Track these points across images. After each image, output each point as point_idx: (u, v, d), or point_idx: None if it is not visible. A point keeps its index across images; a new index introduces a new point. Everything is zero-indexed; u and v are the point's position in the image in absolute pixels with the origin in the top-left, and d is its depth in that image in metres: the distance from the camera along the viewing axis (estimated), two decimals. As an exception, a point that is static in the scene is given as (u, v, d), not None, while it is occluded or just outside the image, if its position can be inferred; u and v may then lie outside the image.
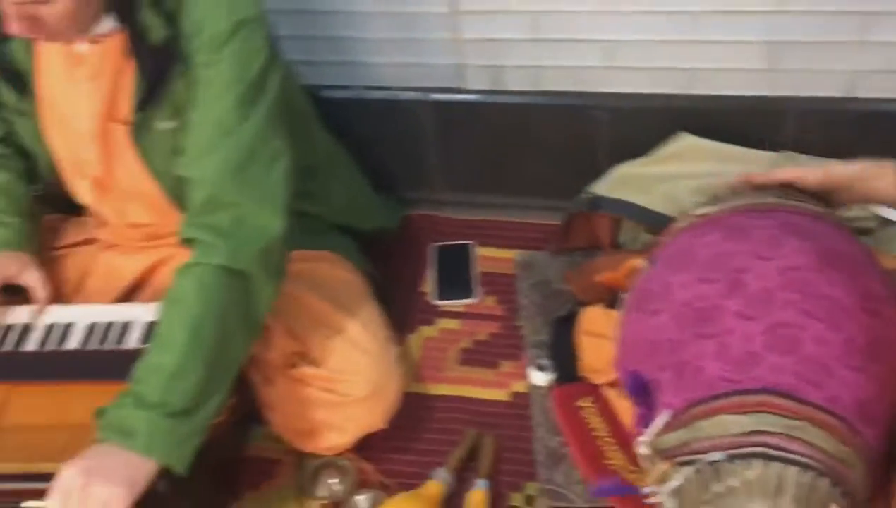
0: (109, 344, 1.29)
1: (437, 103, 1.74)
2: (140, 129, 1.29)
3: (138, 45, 1.24)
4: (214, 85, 1.24)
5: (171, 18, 1.22)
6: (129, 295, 1.49)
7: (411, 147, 1.80)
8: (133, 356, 1.19)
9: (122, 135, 1.32)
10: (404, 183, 1.84)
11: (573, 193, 1.66)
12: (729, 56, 1.60)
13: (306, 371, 1.38)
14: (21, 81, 1.33)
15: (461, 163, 1.80)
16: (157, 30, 1.22)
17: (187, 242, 1.25)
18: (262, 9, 1.26)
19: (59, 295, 1.46)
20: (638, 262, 1.27)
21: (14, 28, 1.15)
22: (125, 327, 1.32)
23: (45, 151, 1.40)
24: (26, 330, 1.33)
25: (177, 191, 1.35)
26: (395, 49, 1.70)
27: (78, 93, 1.31)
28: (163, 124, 1.29)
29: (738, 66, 1.61)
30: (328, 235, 1.56)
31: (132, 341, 1.29)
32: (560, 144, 1.73)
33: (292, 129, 1.32)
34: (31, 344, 1.31)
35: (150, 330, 1.28)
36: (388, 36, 1.68)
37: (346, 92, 1.76)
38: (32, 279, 1.36)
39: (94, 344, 1.29)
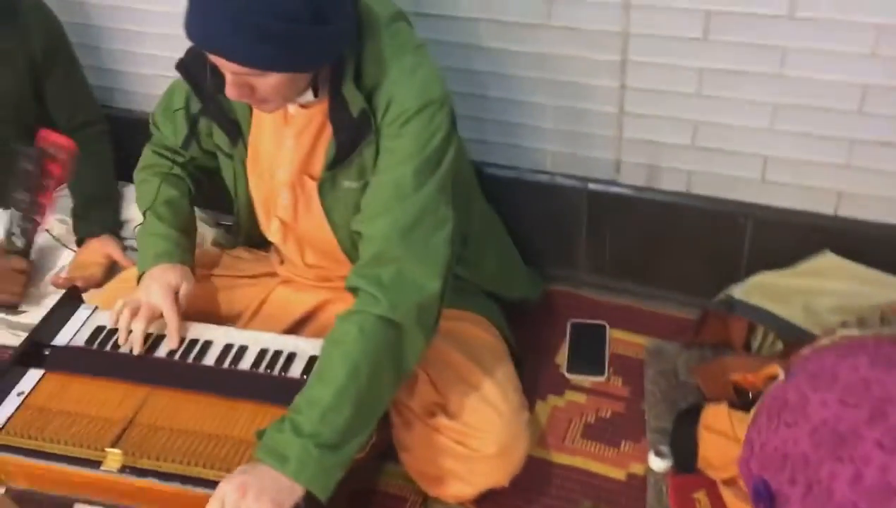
0: (275, 371, 1.31)
1: (593, 192, 1.73)
2: (327, 185, 1.34)
3: (337, 114, 1.28)
4: (396, 155, 1.27)
5: (369, 96, 1.26)
6: (297, 327, 1.52)
7: (563, 228, 1.79)
8: (295, 385, 1.22)
9: (311, 188, 1.37)
10: (552, 259, 1.83)
11: (711, 293, 1.61)
12: (881, 184, 1.51)
13: (442, 421, 1.38)
14: (236, 130, 1.40)
15: (608, 249, 1.78)
16: (355, 104, 1.26)
17: (352, 290, 1.28)
18: (446, 91, 1.29)
19: (239, 317, 1.53)
20: (775, 370, 1.20)
21: (231, 93, 1.20)
22: (290, 357, 1.34)
23: (243, 191, 1.47)
24: (206, 345, 1.36)
25: (350, 243, 1.39)
26: (560, 139, 1.71)
27: (282, 147, 1.37)
28: (348, 183, 1.33)
29: (889, 195, 1.52)
30: (476, 298, 1.56)
31: (295, 371, 1.30)
32: (704, 245, 1.68)
33: (455, 200, 1.33)
34: (209, 359, 1.34)
35: (312, 363, 1.29)
36: (555, 127, 1.70)
37: (510, 172, 1.77)
38: (184, 289, 1.40)
39: (262, 369, 1.31)
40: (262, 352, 1.34)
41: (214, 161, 1.49)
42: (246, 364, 1.32)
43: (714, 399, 1.42)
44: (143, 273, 1.42)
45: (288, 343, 1.36)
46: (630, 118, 1.62)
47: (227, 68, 1.17)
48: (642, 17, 1.50)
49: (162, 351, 1.35)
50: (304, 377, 1.27)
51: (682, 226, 1.68)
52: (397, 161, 1.26)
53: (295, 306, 1.52)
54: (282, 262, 1.56)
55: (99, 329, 1.40)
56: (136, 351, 1.34)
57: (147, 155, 1.54)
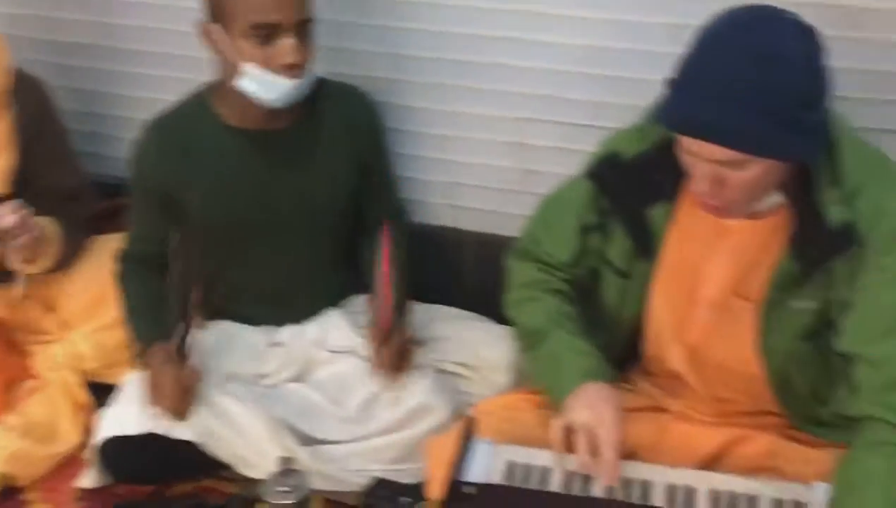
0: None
1: None
2: (770, 308, 1.37)
3: (807, 227, 1.32)
4: (888, 272, 1.30)
5: (848, 200, 1.30)
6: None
7: None
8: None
9: (742, 310, 1.40)
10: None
11: None
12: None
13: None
14: (650, 244, 1.45)
15: None
16: (836, 214, 1.29)
17: (861, 419, 1.30)
18: None
19: (633, 457, 1.49)
20: None
21: (701, 186, 1.28)
22: (751, 501, 1.34)
23: (632, 314, 1.51)
24: (646, 485, 1.37)
25: (781, 374, 1.41)
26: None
27: (711, 263, 1.42)
28: (800, 305, 1.36)
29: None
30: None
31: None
32: None
33: None
34: (657, 500, 1.35)
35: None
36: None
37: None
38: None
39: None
40: (718, 495, 1.34)
41: (593, 281, 1.54)
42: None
43: None
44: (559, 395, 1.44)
45: (746, 485, 1.36)
46: None
47: (708, 156, 1.25)
48: None
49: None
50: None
51: None
52: (891, 279, 1.30)
53: (699, 445, 1.51)
54: (671, 394, 1.56)
55: (511, 464, 1.41)
56: (613, 482, 1.35)
57: (524, 270, 1.58)
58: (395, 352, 1.76)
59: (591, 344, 1.49)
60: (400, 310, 1.81)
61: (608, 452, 1.35)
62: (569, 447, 1.38)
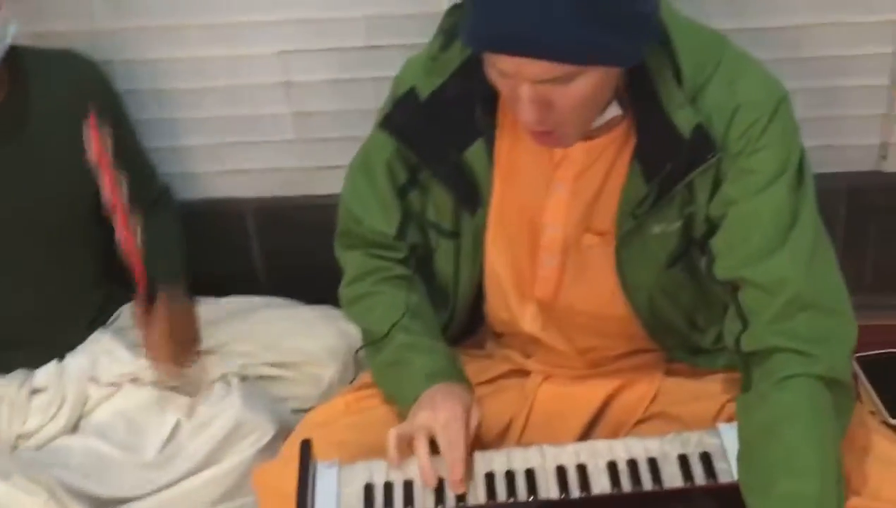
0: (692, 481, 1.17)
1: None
2: (627, 238, 1.22)
3: (655, 138, 1.16)
4: (759, 175, 1.17)
5: (693, 99, 1.16)
6: (588, 431, 1.37)
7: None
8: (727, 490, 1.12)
9: (596, 247, 1.26)
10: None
11: None
12: None
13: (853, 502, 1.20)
14: (474, 194, 1.27)
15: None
16: (686, 120, 1.14)
17: (761, 353, 1.17)
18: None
19: (505, 435, 1.37)
20: None
21: (528, 114, 1.09)
22: (654, 464, 1.18)
23: (469, 276, 1.34)
24: (530, 473, 1.18)
25: (649, 309, 1.29)
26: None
27: (551, 200, 1.26)
28: (661, 228, 1.22)
29: None
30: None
31: (723, 473, 1.16)
32: None
33: None
34: (551, 492, 1.17)
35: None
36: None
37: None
38: (475, 416, 1.25)
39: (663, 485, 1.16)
40: (619, 466, 1.17)
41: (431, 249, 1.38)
42: (607, 485, 1.15)
43: None
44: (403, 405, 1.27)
45: (650, 447, 1.20)
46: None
47: (528, 76, 1.06)
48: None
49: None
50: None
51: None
52: (764, 181, 1.17)
53: (576, 409, 1.37)
54: (530, 355, 1.40)
55: (368, 486, 1.19)
56: (458, 487, 1.18)
57: (354, 261, 1.39)
58: (168, 330, 1.52)
59: (435, 337, 1.34)
60: (172, 280, 1.59)
61: (448, 453, 1.17)
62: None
